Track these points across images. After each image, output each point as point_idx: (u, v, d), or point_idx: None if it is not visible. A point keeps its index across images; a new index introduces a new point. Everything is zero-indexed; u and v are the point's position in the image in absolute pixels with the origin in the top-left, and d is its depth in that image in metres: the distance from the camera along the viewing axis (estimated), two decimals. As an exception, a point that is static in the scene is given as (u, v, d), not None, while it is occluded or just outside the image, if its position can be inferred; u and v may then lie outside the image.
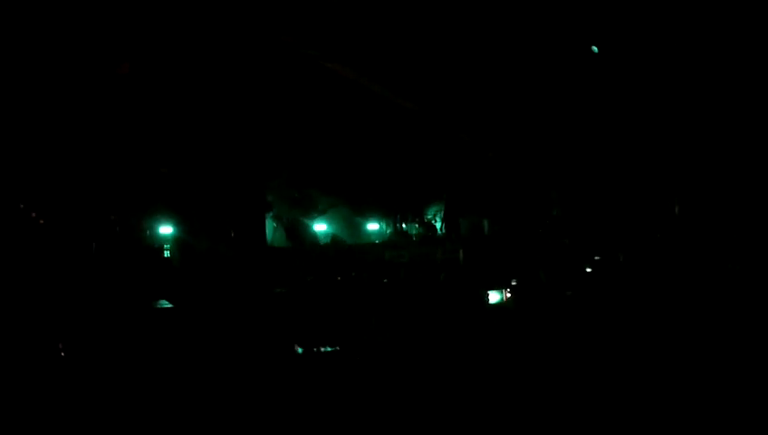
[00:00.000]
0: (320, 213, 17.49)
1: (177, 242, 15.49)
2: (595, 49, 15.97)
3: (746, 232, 13.83)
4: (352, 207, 20.48)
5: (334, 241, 18.48)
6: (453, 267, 17.01)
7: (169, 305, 12.28)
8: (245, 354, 9.16)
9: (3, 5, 13.09)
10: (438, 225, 20.64)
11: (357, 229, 20.76)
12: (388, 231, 20.42)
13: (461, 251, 18.59)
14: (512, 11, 15.24)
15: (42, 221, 13.65)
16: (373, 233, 20.74)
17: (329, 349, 9.57)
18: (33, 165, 13.95)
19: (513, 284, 13.67)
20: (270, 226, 17.03)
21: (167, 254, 15.56)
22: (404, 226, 20.31)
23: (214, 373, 8.37)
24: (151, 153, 15.70)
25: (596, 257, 15.82)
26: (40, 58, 13.65)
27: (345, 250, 18.43)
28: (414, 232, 20.23)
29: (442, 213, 20.81)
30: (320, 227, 18.23)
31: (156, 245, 15.56)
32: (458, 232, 20.34)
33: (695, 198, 16.30)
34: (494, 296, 12.90)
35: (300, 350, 9.69)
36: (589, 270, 15.36)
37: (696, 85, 15.59)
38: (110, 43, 14.17)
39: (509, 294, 13.03)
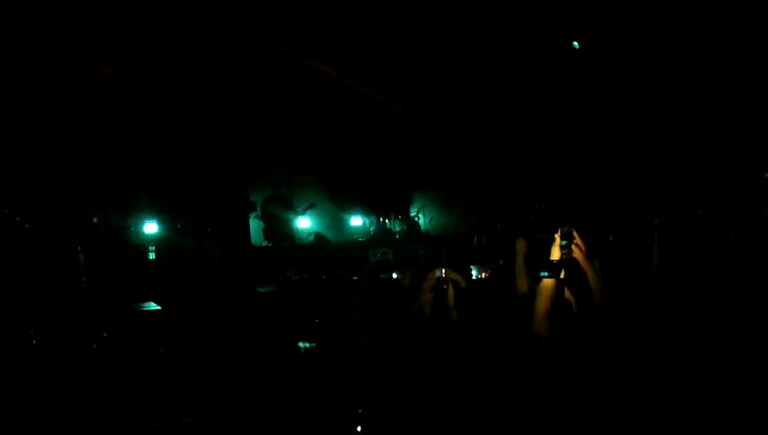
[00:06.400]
0: (301, 212, 17.41)
1: (162, 243, 15.42)
2: (576, 45, 16.03)
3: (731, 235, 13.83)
4: (336, 204, 20.50)
5: (318, 239, 18.43)
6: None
7: (157, 307, 12.27)
8: (234, 353, 9.13)
9: None
10: (422, 221, 20.68)
11: (341, 226, 20.78)
12: (371, 229, 20.42)
13: (444, 248, 18.66)
14: (494, 9, 15.29)
15: (26, 225, 13.54)
16: (357, 230, 20.75)
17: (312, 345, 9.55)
18: (16, 167, 13.85)
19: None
20: (254, 224, 16.97)
21: (152, 256, 15.49)
22: (387, 223, 20.31)
23: (203, 372, 8.35)
24: (135, 154, 15.65)
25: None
26: (21, 57, 13.55)
27: (328, 248, 18.42)
28: (398, 229, 20.23)
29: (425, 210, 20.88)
30: (303, 223, 18.16)
31: (141, 246, 15.49)
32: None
33: (680, 194, 16.42)
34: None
35: (288, 347, 9.66)
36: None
37: (680, 82, 15.69)
38: (93, 44, 14.10)
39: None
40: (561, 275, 4.75)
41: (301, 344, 8.44)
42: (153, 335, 10.24)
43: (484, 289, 6.45)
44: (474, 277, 6.13)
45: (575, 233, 4.80)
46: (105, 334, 9.55)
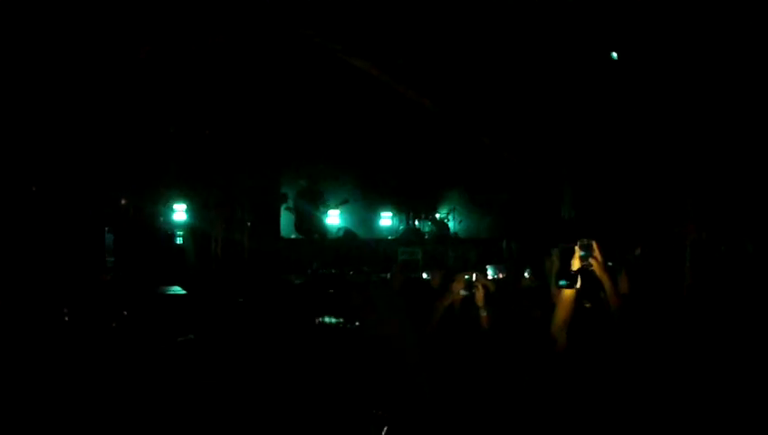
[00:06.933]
0: (333, 207, 17.53)
1: (191, 229, 15.51)
2: (614, 55, 15.98)
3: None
4: (367, 201, 20.57)
5: (347, 234, 18.48)
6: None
7: (182, 292, 12.38)
8: (256, 341, 9.14)
9: None
10: (452, 224, 20.69)
11: (370, 224, 20.85)
12: (400, 227, 20.46)
13: (473, 251, 18.66)
14: (535, 17, 15.26)
15: (53, 202, 13.64)
16: (385, 229, 20.82)
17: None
18: (48, 148, 13.97)
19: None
20: (284, 216, 17.06)
21: (179, 241, 15.60)
22: (417, 223, 20.34)
23: (225, 356, 8.37)
24: (167, 140, 15.76)
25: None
26: (53, 41, 13.65)
27: (357, 244, 18.46)
28: (427, 230, 20.26)
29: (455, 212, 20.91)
30: (333, 219, 18.27)
31: (169, 230, 15.60)
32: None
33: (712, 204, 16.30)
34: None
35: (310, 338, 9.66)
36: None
37: (714, 91, 15.58)
38: (130, 27, 14.19)
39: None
40: (578, 285, 4.81)
41: (326, 320, 8.47)
42: (177, 319, 10.31)
43: (505, 292, 6.50)
44: (489, 276, 6.17)
45: (595, 244, 4.87)
46: (125, 313, 9.59)
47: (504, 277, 6.69)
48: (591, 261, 4.85)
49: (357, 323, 7.55)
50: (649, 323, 5.35)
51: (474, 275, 5.76)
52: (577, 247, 4.92)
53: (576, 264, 4.88)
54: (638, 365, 4.69)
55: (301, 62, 17.00)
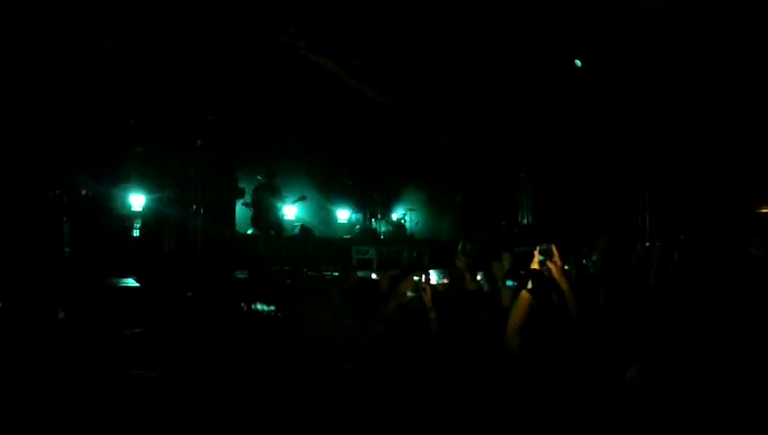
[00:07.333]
0: (290, 203, 17.45)
1: (147, 222, 15.34)
2: (578, 63, 16.06)
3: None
4: (323, 198, 20.56)
5: (303, 231, 18.35)
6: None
7: (135, 284, 12.27)
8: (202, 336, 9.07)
9: None
10: (408, 225, 20.70)
11: (328, 219, 20.86)
12: (356, 227, 20.42)
13: (428, 252, 18.67)
14: (496, 21, 15.30)
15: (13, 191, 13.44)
16: (342, 227, 20.81)
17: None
18: (8, 139, 13.77)
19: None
20: (240, 211, 16.90)
21: (136, 232, 15.46)
22: (373, 223, 20.31)
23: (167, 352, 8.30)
24: (126, 132, 15.62)
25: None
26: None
27: (313, 242, 18.36)
28: (383, 230, 20.22)
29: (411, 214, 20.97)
30: (290, 216, 18.18)
31: (126, 221, 15.45)
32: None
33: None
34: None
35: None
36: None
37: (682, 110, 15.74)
38: (95, 18, 14.04)
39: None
40: (529, 286, 4.80)
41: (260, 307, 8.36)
42: (128, 311, 10.20)
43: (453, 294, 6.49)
44: (434, 281, 6.12)
45: (554, 249, 4.87)
46: (73, 305, 9.44)
47: (449, 281, 6.69)
48: (550, 265, 4.86)
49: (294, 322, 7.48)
50: (612, 324, 5.36)
51: (422, 277, 5.73)
52: (536, 251, 4.94)
53: (535, 267, 4.89)
54: (597, 367, 4.68)
55: (263, 57, 16.93)
